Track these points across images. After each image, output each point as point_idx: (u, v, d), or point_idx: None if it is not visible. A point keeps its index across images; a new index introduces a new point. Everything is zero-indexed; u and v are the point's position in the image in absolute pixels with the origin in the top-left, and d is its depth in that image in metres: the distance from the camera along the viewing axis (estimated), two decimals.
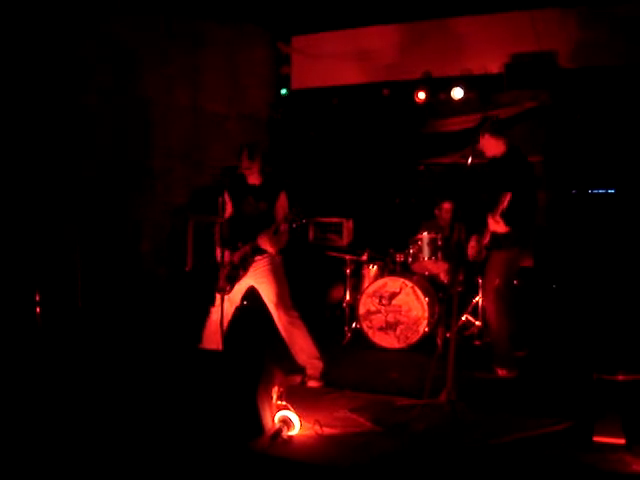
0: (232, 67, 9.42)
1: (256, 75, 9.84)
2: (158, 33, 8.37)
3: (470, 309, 7.65)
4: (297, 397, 5.10)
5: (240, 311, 6.10)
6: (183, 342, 6.15)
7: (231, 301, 5.84)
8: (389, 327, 7.41)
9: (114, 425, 4.67)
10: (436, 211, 8.27)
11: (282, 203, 5.85)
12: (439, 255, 7.58)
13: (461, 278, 7.29)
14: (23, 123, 6.89)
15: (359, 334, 7.61)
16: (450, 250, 7.38)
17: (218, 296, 5.70)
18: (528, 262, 7.43)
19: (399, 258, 7.84)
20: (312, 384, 5.87)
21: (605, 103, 8.36)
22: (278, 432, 4.49)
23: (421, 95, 9.15)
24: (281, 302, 5.78)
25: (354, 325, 7.73)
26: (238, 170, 5.82)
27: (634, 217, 8.16)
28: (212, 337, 5.79)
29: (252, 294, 6.05)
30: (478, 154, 6.20)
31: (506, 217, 5.76)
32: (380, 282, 7.56)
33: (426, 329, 7.27)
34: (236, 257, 5.78)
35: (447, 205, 8.10)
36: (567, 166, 8.65)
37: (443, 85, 9.07)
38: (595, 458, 4.18)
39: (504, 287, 6.01)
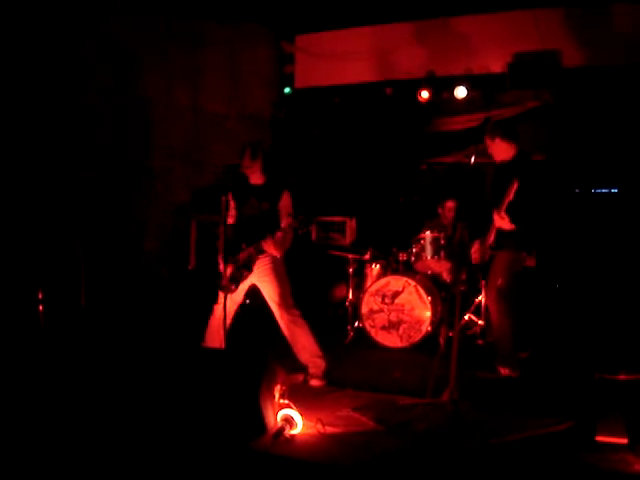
0: (233, 67, 9.41)
1: (259, 74, 9.83)
2: (158, 33, 8.37)
3: (473, 308, 7.64)
4: (299, 396, 5.11)
5: (242, 310, 6.10)
6: (186, 341, 6.15)
7: (234, 300, 5.85)
8: (392, 326, 7.41)
9: (116, 424, 4.68)
10: (439, 209, 8.26)
11: (285, 203, 5.86)
12: (442, 254, 7.57)
13: (464, 277, 7.29)
14: (24, 123, 6.90)
15: (362, 333, 7.61)
16: (453, 249, 7.37)
17: (221, 294, 5.72)
18: (531, 262, 7.43)
19: (402, 257, 7.84)
20: (314, 383, 5.87)
21: (608, 102, 8.35)
22: (280, 431, 4.49)
23: (424, 94, 9.14)
24: (283, 301, 5.79)
25: (357, 324, 7.73)
26: (240, 169, 5.83)
27: (637, 216, 8.15)
28: (215, 336, 5.80)
29: (254, 293, 6.05)
30: (482, 153, 6.19)
31: (511, 214, 5.76)
32: (383, 281, 7.56)
33: (429, 328, 7.27)
34: (241, 258, 5.79)
35: (450, 203, 8.10)
36: (570, 165, 8.64)
37: (446, 84, 9.05)
38: (597, 458, 4.18)
39: (507, 287, 6.00)
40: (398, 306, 7.40)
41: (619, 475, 3.96)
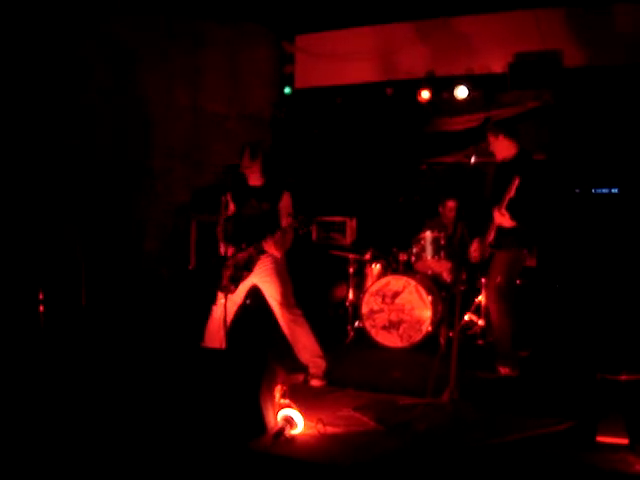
0: (233, 67, 9.41)
1: (259, 74, 9.84)
2: (158, 33, 8.37)
3: (473, 308, 7.64)
4: (300, 396, 5.11)
5: (243, 310, 6.10)
6: (186, 341, 6.15)
7: (234, 300, 5.85)
8: (392, 326, 7.40)
9: (116, 424, 4.68)
10: (440, 208, 8.25)
11: (285, 203, 5.86)
12: (442, 254, 7.56)
13: (464, 277, 7.30)
14: (24, 123, 6.90)
15: (362, 333, 7.60)
16: (453, 249, 7.37)
17: (220, 294, 5.72)
18: (531, 261, 7.43)
19: (402, 257, 7.83)
20: (315, 383, 5.87)
21: (609, 102, 8.35)
22: (281, 431, 4.49)
23: (425, 94, 9.14)
24: (284, 301, 5.79)
25: (357, 324, 7.73)
26: (240, 169, 5.83)
27: (637, 217, 8.14)
28: (215, 336, 5.80)
29: (255, 292, 6.05)
30: (482, 153, 6.19)
31: (512, 211, 5.76)
32: (383, 281, 7.56)
33: (429, 328, 7.27)
34: (240, 258, 5.78)
35: (451, 203, 8.09)
36: (571, 165, 8.64)
37: (447, 84, 9.06)
38: (598, 458, 4.17)
39: (506, 286, 6.00)
40: (398, 306, 7.39)
41: (620, 475, 3.96)
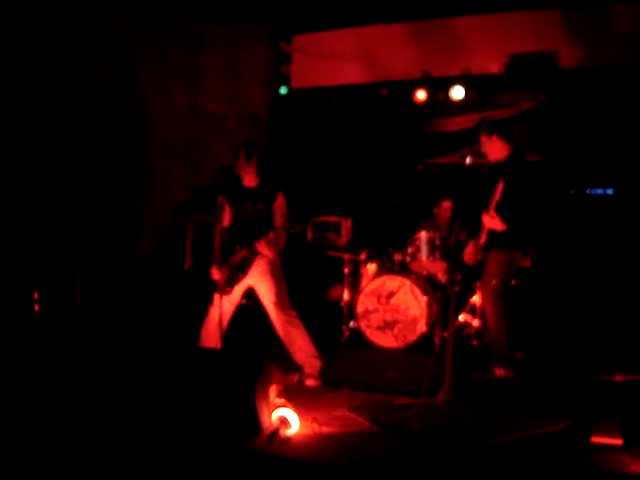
0: (232, 67, 9.41)
1: (256, 74, 9.83)
2: (158, 33, 8.37)
3: (468, 309, 7.64)
4: (295, 396, 5.10)
5: (239, 310, 6.10)
6: (182, 341, 6.15)
7: (230, 301, 5.85)
8: (387, 326, 7.41)
9: (112, 423, 4.68)
10: (435, 209, 8.25)
11: (279, 204, 5.86)
12: (437, 254, 7.57)
13: (459, 278, 7.30)
14: (23, 123, 6.90)
15: (357, 333, 7.61)
16: (448, 249, 7.37)
17: (217, 295, 5.72)
18: (526, 262, 7.43)
19: (397, 257, 7.83)
20: (310, 383, 5.87)
21: (605, 103, 8.36)
22: (276, 431, 4.49)
23: (420, 95, 9.15)
24: (279, 301, 5.79)
25: (352, 324, 7.73)
26: (235, 170, 5.83)
27: (632, 218, 8.16)
28: (210, 336, 5.80)
29: (250, 293, 6.05)
30: (477, 154, 6.19)
31: (502, 213, 5.75)
32: (378, 281, 7.56)
33: (424, 328, 7.27)
34: (235, 260, 5.78)
35: (446, 204, 8.09)
36: (566, 166, 8.65)
37: (443, 85, 9.06)
38: (593, 458, 4.18)
39: (502, 288, 6.00)
40: (393, 306, 7.40)
41: (615, 476, 3.97)
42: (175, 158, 8.69)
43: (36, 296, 6.47)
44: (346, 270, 7.96)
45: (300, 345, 5.84)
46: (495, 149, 6.15)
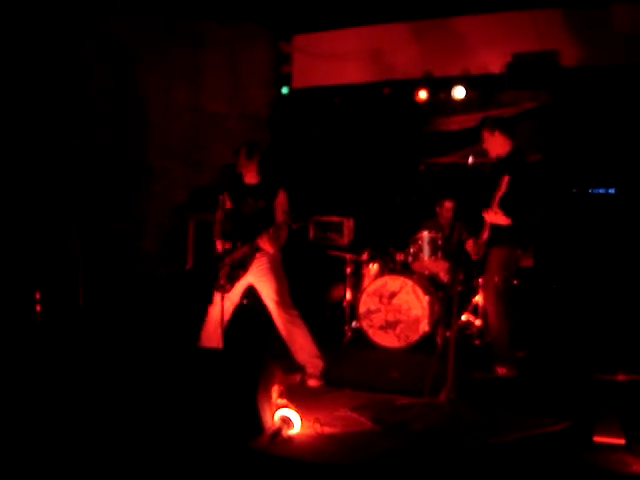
0: (233, 67, 9.41)
1: (257, 74, 9.83)
2: (158, 33, 8.37)
3: (470, 308, 7.64)
4: (297, 396, 5.10)
5: (240, 309, 6.09)
6: (183, 340, 6.15)
7: (231, 300, 5.85)
8: (389, 326, 7.41)
9: (114, 423, 4.68)
10: (437, 209, 8.25)
11: (281, 201, 5.86)
12: (439, 254, 7.56)
13: (461, 277, 7.29)
14: (24, 123, 6.90)
15: (359, 333, 7.61)
16: (450, 249, 7.37)
17: (217, 295, 5.71)
18: (528, 262, 7.43)
19: (399, 257, 7.83)
20: (312, 383, 5.87)
21: (607, 102, 8.35)
22: (278, 431, 4.49)
23: (422, 94, 9.15)
24: (281, 300, 5.79)
25: (354, 324, 7.73)
26: (236, 169, 5.83)
27: (634, 217, 8.15)
28: (211, 336, 5.80)
29: (251, 292, 6.05)
30: (479, 154, 6.19)
31: (506, 208, 5.75)
32: (380, 281, 7.56)
33: (426, 328, 7.27)
34: (236, 257, 5.78)
35: (448, 203, 8.09)
36: (568, 165, 8.64)
37: (444, 84, 9.06)
38: (595, 458, 4.18)
39: (504, 286, 6.00)
40: (395, 306, 7.40)
41: (617, 476, 3.97)
42: (176, 158, 8.69)
43: (38, 296, 6.48)
44: (348, 270, 7.96)
45: (302, 345, 5.84)
46: (497, 145, 6.15)
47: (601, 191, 8.68)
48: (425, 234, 7.62)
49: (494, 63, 8.74)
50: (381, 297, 7.48)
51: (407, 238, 7.79)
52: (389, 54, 9.40)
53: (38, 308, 6.48)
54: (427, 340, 7.25)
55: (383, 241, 8.29)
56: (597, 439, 4.41)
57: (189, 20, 8.70)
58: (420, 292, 7.32)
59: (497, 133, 6.12)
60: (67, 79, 7.32)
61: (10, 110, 6.78)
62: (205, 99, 9.07)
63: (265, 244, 5.69)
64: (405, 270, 7.77)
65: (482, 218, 6.03)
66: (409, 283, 7.39)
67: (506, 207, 5.75)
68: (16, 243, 6.75)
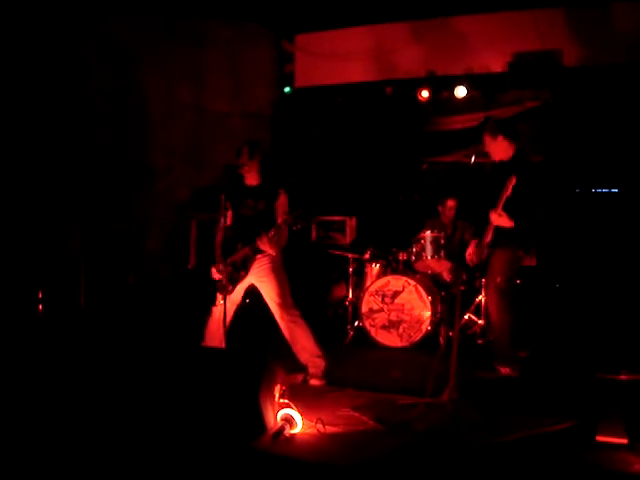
0: (235, 66, 9.40)
1: (259, 73, 9.83)
2: (159, 33, 8.37)
3: (473, 308, 7.64)
4: (299, 396, 5.10)
5: (242, 309, 6.09)
6: (186, 340, 6.15)
7: (232, 300, 5.84)
8: (392, 326, 7.41)
9: (116, 423, 4.68)
10: (439, 207, 8.25)
11: (281, 202, 5.86)
12: (442, 254, 7.56)
13: (464, 277, 7.29)
14: (25, 123, 6.90)
15: (362, 332, 7.61)
16: (453, 248, 7.37)
17: (219, 295, 5.71)
18: (531, 261, 7.43)
19: (402, 257, 7.84)
20: (314, 383, 5.86)
21: (609, 101, 8.34)
22: (280, 430, 4.49)
23: (424, 93, 9.14)
24: (282, 301, 5.78)
25: (356, 323, 7.73)
26: (239, 169, 5.82)
27: (637, 216, 8.14)
28: (214, 336, 5.80)
29: (253, 292, 6.05)
30: (482, 153, 6.18)
31: (510, 211, 5.75)
32: (383, 280, 7.56)
33: (429, 328, 7.27)
34: (237, 258, 5.78)
35: (451, 202, 8.09)
36: (570, 165, 8.63)
37: (446, 84, 9.05)
38: (598, 457, 4.17)
39: (506, 286, 6.00)
40: (398, 306, 7.40)
41: (620, 475, 3.96)
42: (178, 157, 8.69)
43: (40, 296, 6.48)
44: (350, 269, 7.97)
45: (304, 344, 5.84)
46: (500, 149, 6.13)
47: (604, 191, 8.68)
48: (428, 233, 7.62)
49: (496, 62, 8.73)
50: (383, 297, 7.48)
51: (410, 237, 7.79)
52: (391, 53, 9.39)
53: (40, 307, 6.47)
54: (430, 340, 7.26)
55: (385, 240, 8.29)
56: (600, 438, 4.40)
57: (190, 20, 8.69)
58: (423, 292, 7.32)
59: (500, 138, 6.09)
60: (68, 79, 7.33)
61: (11, 111, 6.79)
62: (207, 98, 9.07)
63: (265, 246, 5.68)
64: (408, 270, 7.78)
65: (485, 217, 6.02)
66: (412, 283, 7.39)
67: (510, 210, 5.75)
68: (18, 242, 6.75)
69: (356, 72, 9.62)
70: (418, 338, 7.29)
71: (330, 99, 10.02)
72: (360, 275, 8.05)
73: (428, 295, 7.31)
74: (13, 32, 6.78)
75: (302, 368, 5.92)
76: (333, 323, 8.28)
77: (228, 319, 5.77)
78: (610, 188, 8.65)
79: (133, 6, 7.90)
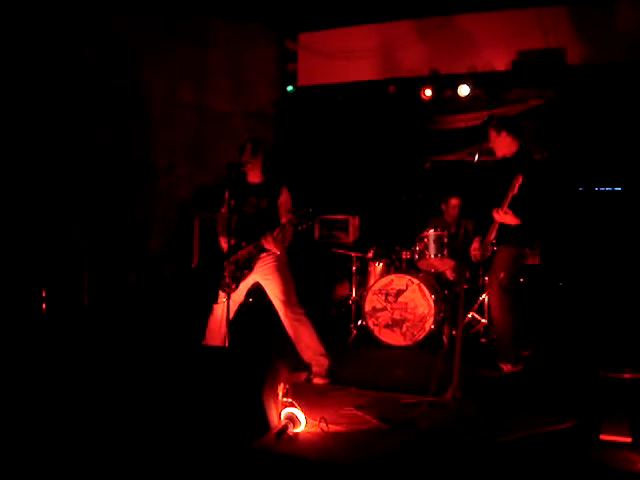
0: (237, 65, 9.40)
1: (262, 72, 9.83)
2: (159, 33, 8.37)
3: (476, 307, 7.63)
4: (303, 394, 5.10)
5: (245, 308, 6.09)
6: (189, 339, 6.15)
7: (235, 299, 5.83)
8: (395, 324, 7.41)
9: (119, 422, 4.68)
10: (443, 206, 8.24)
11: (284, 199, 5.86)
12: (445, 252, 7.56)
13: (467, 275, 7.29)
14: (26, 123, 6.90)
15: (365, 331, 7.61)
16: (456, 247, 7.36)
17: (222, 293, 5.71)
18: (534, 259, 7.42)
19: (405, 255, 7.83)
20: (318, 381, 5.87)
21: (613, 100, 8.33)
22: (284, 429, 4.48)
23: (427, 92, 9.13)
24: (287, 299, 5.78)
25: (360, 322, 7.73)
26: (242, 167, 5.82)
27: None
28: (216, 334, 5.80)
29: (257, 290, 6.05)
30: (485, 152, 6.18)
31: (516, 209, 5.74)
32: (386, 279, 7.56)
33: (432, 326, 7.27)
34: (241, 256, 5.78)
35: (454, 201, 8.08)
36: (574, 163, 8.62)
37: (450, 82, 9.04)
38: (601, 456, 4.17)
39: (509, 283, 5.99)
40: (401, 304, 7.40)
41: (623, 473, 3.95)
42: (180, 156, 8.69)
43: (44, 295, 6.49)
44: (354, 268, 7.97)
45: (308, 343, 5.83)
46: (504, 145, 6.13)
47: (608, 189, 8.67)
48: (431, 232, 7.62)
49: (500, 61, 8.72)
50: (387, 295, 7.48)
51: (413, 236, 7.78)
52: (394, 52, 9.39)
53: (44, 306, 6.48)
54: (433, 338, 7.26)
55: (389, 239, 8.29)
56: (604, 437, 4.40)
57: (191, 20, 8.69)
58: (426, 290, 7.31)
59: (504, 134, 6.10)
60: (68, 79, 7.33)
61: (12, 111, 6.79)
62: (209, 98, 9.07)
63: (270, 245, 5.68)
64: (411, 268, 7.77)
65: (488, 215, 6.02)
66: (415, 281, 7.39)
67: (516, 207, 5.75)
68: (22, 242, 6.76)
69: (359, 71, 9.61)
70: (421, 337, 7.29)
71: (333, 98, 10.02)
72: (363, 274, 8.05)
73: (431, 294, 7.30)
74: (14, 32, 6.78)
75: (306, 366, 5.92)
76: (336, 322, 8.28)
77: (230, 317, 5.77)
78: (614, 187, 8.64)
79: (134, 6, 7.90)
